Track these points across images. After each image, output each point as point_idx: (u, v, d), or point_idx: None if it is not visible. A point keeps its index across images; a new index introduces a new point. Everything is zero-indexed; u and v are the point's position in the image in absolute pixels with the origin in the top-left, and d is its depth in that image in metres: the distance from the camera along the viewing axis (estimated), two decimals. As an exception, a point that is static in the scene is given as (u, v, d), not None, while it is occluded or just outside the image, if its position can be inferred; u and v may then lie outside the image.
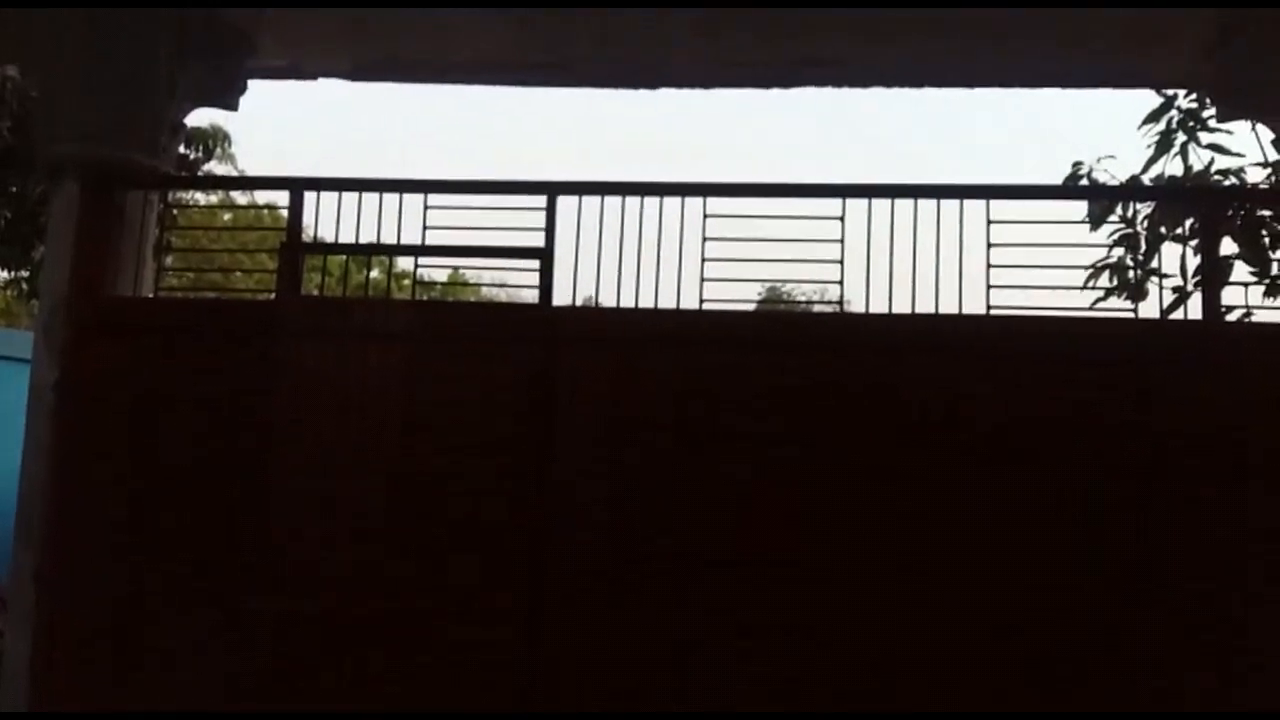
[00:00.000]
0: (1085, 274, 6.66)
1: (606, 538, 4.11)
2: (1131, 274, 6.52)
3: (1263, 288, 5.75)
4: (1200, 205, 4.67)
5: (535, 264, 4.27)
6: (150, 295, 4.65)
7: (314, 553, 4.16)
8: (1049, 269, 4.18)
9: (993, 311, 4.11)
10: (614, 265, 4.25)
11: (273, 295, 4.37)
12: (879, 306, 4.18)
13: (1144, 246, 6.61)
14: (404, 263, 4.49)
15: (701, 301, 4.23)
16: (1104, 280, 6.67)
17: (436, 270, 4.79)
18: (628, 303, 4.26)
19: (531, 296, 4.30)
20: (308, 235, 4.60)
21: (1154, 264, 6.31)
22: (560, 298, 4.31)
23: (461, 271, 5.40)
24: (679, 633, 4.03)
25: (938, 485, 4.00)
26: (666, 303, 4.27)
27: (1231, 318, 4.39)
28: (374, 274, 5.28)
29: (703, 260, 4.22)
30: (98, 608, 4.21)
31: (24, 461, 4.33)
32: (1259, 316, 4.69)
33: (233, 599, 4.15)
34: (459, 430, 4.20)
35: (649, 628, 4.05)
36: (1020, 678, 3.86)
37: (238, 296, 4.86)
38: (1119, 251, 6.72)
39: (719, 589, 4.04)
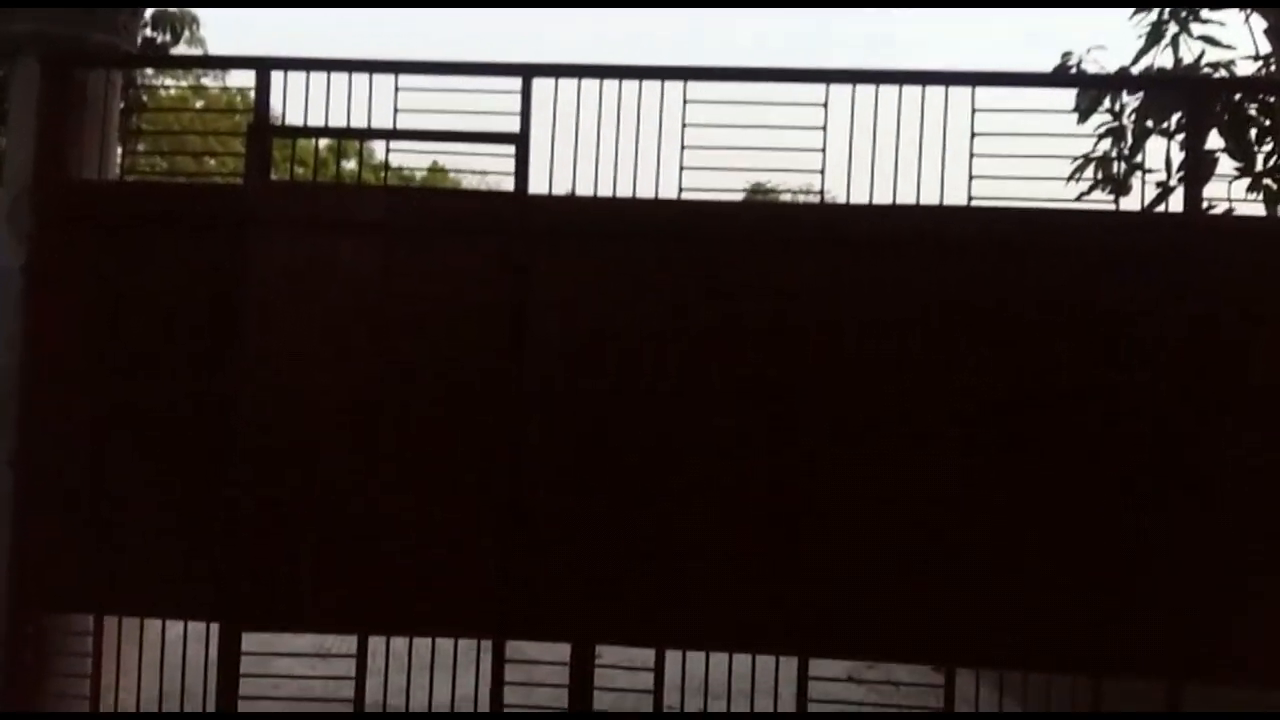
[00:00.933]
0: (1070, 166, 6.62)
1: (580, 435, 4.13)
2: (1116, 167, 6.46)
3: (1247, 182, 5.69)
4: (1188, 96, 4.56)
5: (510, 150, 4.17)
6: (117, 180, 4.55)
7: (283, 442, 4.15)
8: (1034, 159, 4.10)
9: (974, 203, 4.07)
10: (592, 152, 4.16)
11: (241, 181, 4.26)
12: (861, 197, 4.13)
13: (1130, 140, 6.53)
14: (380, 155, 4.33)
15: (680, 191, 4.16)
16: (1089, 173, 6.62)
17: (414, 160, 4.65)
18: (606, 192, 4.18)
19: (508, 186, 4.21)
20: (277, 121, 4.45)
21: (1139, 158, 6.26)
22: (537, 186, 4.21)
23: (439, 162, 5.27)
24: (655, 526, 4.09)
25: (922, 377, 4.03)
26: (645, 193, 4.19)
27: (1215, 213, 4.36)
28: (349, 165, 5.15)
29: (682, 148, 4.15)
30: (72, 493, 4.22)
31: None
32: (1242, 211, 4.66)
33: (202, 486, 4.16)
34: (432, 323, 4.16)
35: (624, 522, 4.10)
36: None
37: (207, 182, 4.71)
38: (1105, 145, 6.65)
39: (696, 481, 4.09)
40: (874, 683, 4.41)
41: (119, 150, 4.73)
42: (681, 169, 4.15)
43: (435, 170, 7.55)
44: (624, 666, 4.17)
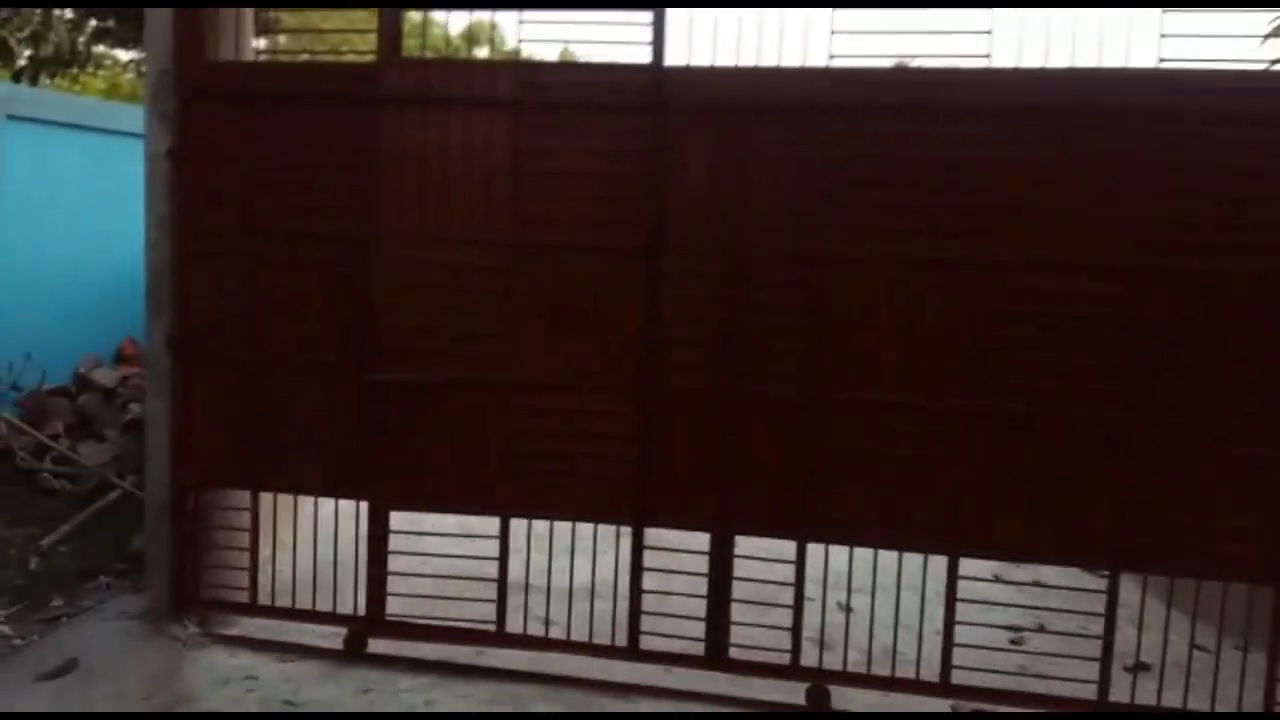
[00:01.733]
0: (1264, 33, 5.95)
1: (721, 321, 3.99)
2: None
3: None
4: None
5: (648, 19, 3.94)
6: (252, 60, 4.55)
7: (420, 322, 4.15)
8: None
9: (1164, 64, 3.66)
10: (733, 24, 3.91)
11: (374, 58, 4.17)
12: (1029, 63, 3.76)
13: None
14: (511, 41, 4.14)
15: (831, 60, 3.87)
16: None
17: (546, 50, 4.44)
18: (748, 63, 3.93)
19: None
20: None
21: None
22: (675, 59, 3.98)
23: (571, 51, 5.05)
24: (799, 418, 3.97)
25: (1086, 254, 3.74)
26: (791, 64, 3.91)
27: None
28: (482, 52, 5.00)
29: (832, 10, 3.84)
30: (225, 370, 4.34)
31: (146, 233, 4.37)
32: None
33: (345, 365, 4.23)
34: (565, 203, 4.04)
35: (765, 412, 3.98)
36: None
37: (340, 60, 4.64)
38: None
39: (829, 371, 3.93)
40: (1020, 583, 4.20)
41: (255, 35, 4.70)
42: (833, 35, 3.84)
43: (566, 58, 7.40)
44: (763, 558, 4.09)
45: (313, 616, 4.44)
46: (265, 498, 4.46)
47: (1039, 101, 3.73)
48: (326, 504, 4.44)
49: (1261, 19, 5.57)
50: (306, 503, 4.49)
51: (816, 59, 3.86)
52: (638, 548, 4.18)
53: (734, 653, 4.15)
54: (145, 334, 4.49)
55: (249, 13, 4.57)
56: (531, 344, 4.13)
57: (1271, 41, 5.72)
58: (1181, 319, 3.71)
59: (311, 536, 4.45)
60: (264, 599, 4.47)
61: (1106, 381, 3.77)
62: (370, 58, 4.18)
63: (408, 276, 4.16)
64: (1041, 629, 4.77)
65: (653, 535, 4.17)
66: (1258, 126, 3.61)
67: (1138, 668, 3.96)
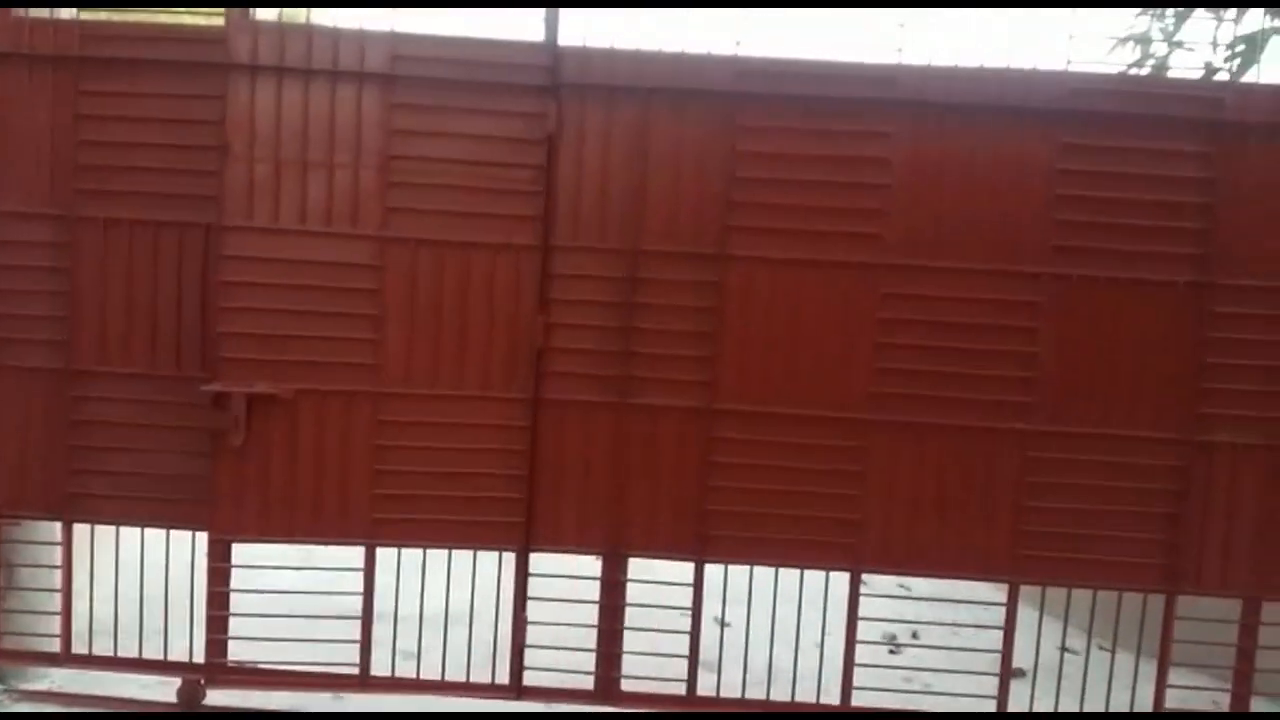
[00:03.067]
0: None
1: (602, 305, 3.70)
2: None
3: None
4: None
5: (539, -5, 3.59)
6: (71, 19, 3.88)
7: (271, 325, 3.65)
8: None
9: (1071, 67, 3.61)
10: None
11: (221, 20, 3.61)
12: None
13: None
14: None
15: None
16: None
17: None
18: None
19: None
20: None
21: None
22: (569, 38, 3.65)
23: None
24: (685, 419, 3.71)
25: (986, 259, 3.64)
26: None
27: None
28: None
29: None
30: (27, 380, 3.72)
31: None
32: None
33: (180, 375, 3.71)
34: (443, 194, 3.64)
35: (645, 411, 3.72)
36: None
37: (181, 23, 4.02)
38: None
39: (726, 381, 3.70)
40: (925, 599, 4.09)
41: None
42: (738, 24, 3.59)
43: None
44: (653, 580, 3.80)
45: (139, 665, 3.83)
46: (81, 529, 3.81)
47: (942, 100, 3.60)
48: (155, 535, 3.84)
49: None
50: (130, 534, 3.86)
51: (721, 48, 3.61)
52: (522, 575, 3.80)
53: (625, 685, 3.84)
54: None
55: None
56: (402, 351, 3.68)
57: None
58: (1074, 327, 3.67)
59: (137, 573, 3.83)
60: (79, 647, 3.82)
61: (1004, 391, 3.69)
62: (217, 20, 3.62)
63: (257, 273, 3.63)
64: (915, 638, 4.72)
65: (537, 560, 3.81)
66: (1152, 134, 3.61)
67: (1015, 674, 3.91)
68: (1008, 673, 3.83)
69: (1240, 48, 5.30)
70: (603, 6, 3.69)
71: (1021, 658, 3.91)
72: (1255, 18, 5.23)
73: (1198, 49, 5.84)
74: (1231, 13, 4.45)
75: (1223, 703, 3.82)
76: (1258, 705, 3.81)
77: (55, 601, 3.80)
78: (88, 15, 3.72)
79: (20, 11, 3.65)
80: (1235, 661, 3.80)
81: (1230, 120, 3.56)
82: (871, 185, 3.63)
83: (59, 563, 3.78)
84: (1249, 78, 5.20)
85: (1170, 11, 6.12)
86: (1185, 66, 5.95)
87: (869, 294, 3.66)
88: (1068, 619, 4.03)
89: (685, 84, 3.60)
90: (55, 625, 3.81)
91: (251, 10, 3.61)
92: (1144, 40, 6.13)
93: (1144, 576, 3.76)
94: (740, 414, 3.71)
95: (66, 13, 3.75)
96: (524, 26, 3.62)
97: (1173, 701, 3.78)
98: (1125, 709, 3.85)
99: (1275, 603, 3.76)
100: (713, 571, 3.82)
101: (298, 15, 3.82)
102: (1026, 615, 3.86)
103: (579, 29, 3.61)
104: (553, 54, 3.60)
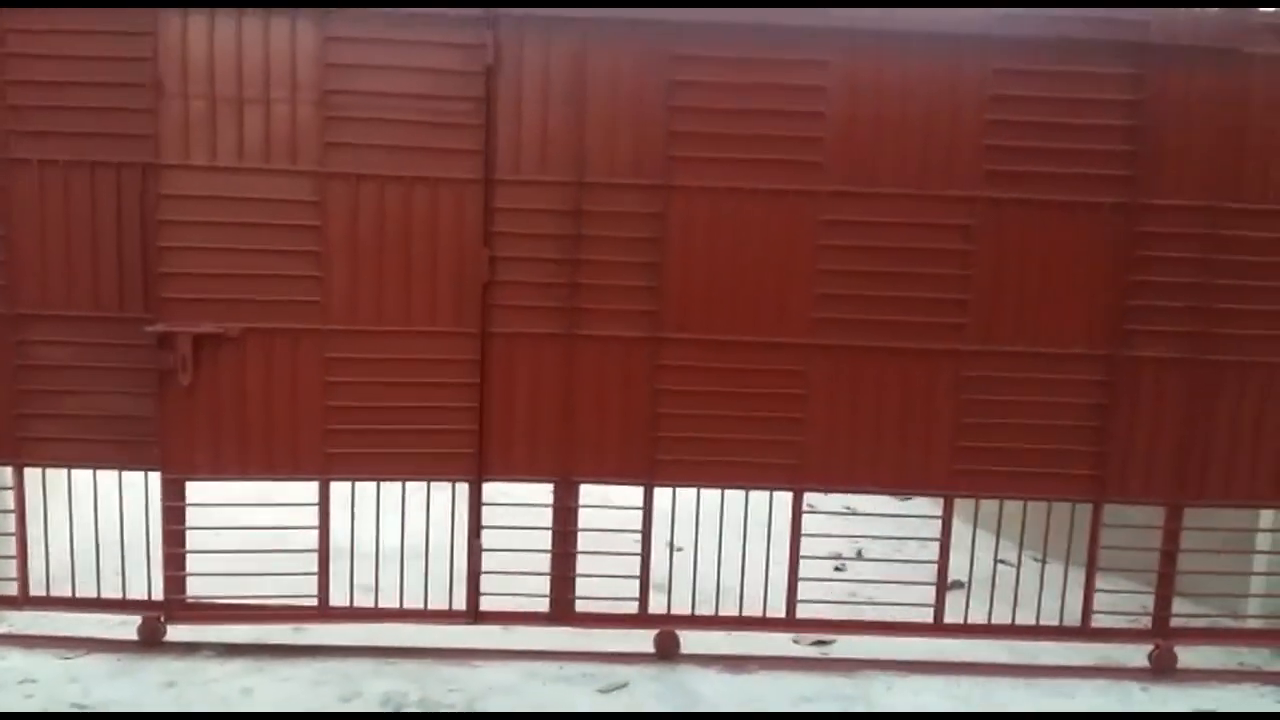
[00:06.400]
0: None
1: (559, 261, 3.74)
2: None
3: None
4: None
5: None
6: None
7: (214, 264, 3.64)
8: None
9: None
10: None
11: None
12: None
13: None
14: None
15: (671, -24, 3.63)
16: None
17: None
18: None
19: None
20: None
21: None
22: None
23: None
24: (632, 348, 3.80)
25: (923, 185, 3.73)
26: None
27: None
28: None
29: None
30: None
31: None
32: None
33: (125, 316, 3.71)
34: (383, 128, 3.63)
35: (592, 341, 3.80)
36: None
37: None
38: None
39: (672, 309, 3.78)
40: (833, 513, 4.22)
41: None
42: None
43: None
44: (601, 505, 3.90)
45: (98, 605, 3.88)
46: (33, 473, 3.82)
47: (875, 27, 3.63)
48: (108, 476, 3.86)
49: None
50: (83, 477, 3.87)
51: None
52: (476, 505, 3.88)
53: (579, 606, 3.96)
54: None
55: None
56: (347, 287, 3.70)
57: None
58: (1006, 250, 3.77)
59: (91, 514, 3.86)
60: (36, 590, 3.85)
61: (939, 313, 3.80)
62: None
63: (196, 211, 3.61)
64: (860, 555, 4.87)
65: (489, 490, 3.89)
66: (1080, 58, 3.68)
67: (953, 585, 4.08)
68: (944, 584, 4.01)
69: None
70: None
71: (960, 571, 4.09)
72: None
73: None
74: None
75: (1149, 605, 4.02)
76: (1180, 606, 4.02)
77: (10, 546, 3.81)
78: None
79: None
80: (1159, 565, 4.00)
81: (1156, 44, 3.65)
82: (808, 114, 3.68)
83: (12, 508, 3.79)
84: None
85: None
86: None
87: (808, 221, 3.73)
88: (999, 532, 4.20)
89: (623, 15, 3.59)
90: (11, 569, 3.83)
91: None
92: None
93: (1072, 487, 3.93)
94: (685, 342, 3.78)
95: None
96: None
97: (1101, 605, 3.98)
98: (1055, 616, 4.04)
99: (1196, 508, 3.96)
100: (665, 498, 3.93)
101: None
102: (965, 531, 4.02)
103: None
104: (489, -17, 3.58)
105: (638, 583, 3.94)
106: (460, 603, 3.93)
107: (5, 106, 3.58)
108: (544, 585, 3.94)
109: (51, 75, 3.58)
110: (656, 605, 3.99)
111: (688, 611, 4.00)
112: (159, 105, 3.54)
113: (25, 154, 3.60)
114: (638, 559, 3.92)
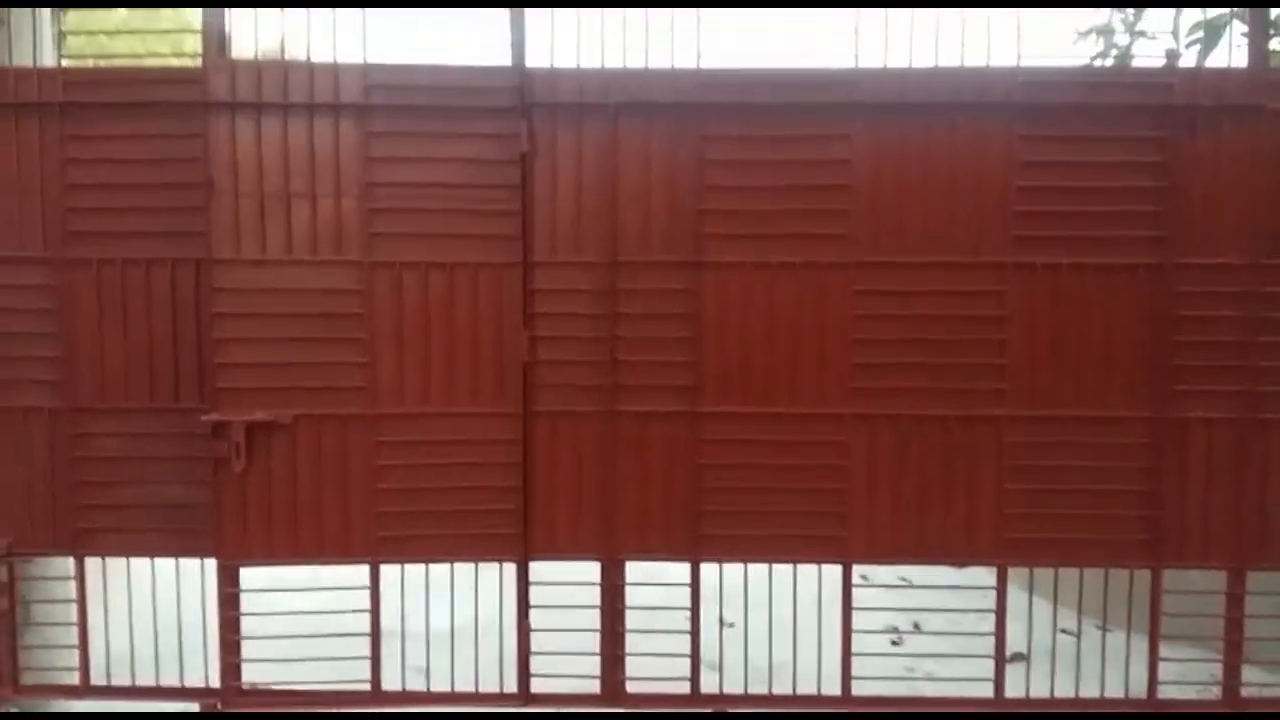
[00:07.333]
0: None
1: (578, 315, 3.81)
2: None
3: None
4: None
5: (505, 14, 3.71)
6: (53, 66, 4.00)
7: (264, 354, 3.76)
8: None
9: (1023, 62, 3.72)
10: (597, 23, 3.74)
11: (199, 61, 3.75)
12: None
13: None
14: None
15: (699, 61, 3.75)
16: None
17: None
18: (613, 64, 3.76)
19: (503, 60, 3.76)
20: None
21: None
22: (536, 60, 3.77)
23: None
24: (672, 423, 3.82)
25: (954, 252, 3.76)
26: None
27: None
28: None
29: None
30: (29, 420, 3.83)
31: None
32: None
33: (180, 406, 3.82)
34: (424, 217, 3.75)
35: (632, 417, 3.83)
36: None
37: (159, 64, 4.13)
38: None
39: (710, 383, 3.81)
40: (888, 586, 4.16)
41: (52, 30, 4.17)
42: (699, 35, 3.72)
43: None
44: (649, 583, 3.89)
45: (157, 693, 3.92)
46: (93, 562, 3.91)
47: (898, 100, 3.71)
48: (165, 565, 3.95)
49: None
50: (141, 564, 3.96)
51: (683, 59, 3.73)
52: (523, 584, 3.89)
53: (630, 686, 3.92)
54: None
55: (45, 15, 4.05)
56: (393, 371, 3.79)
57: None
58: (1042, 313, 3.76)
59: (150, 603, 3.94)
60: (98, 678, 3.92)
61: (978, 379, 3.79)
62: (194, 61, 3.76)
63: (248, 303, 3.74)
64: (917, 628, 4.77)
65: (537, 569, 3.90)
66: (1104, 121, 3.71)
67: (1014, 658, 3.98)
68: (1002, 656, 3.91)
69: (1200, 34, 5.39)
70: (564, 6, 3.77)
71: (1019, 642, 3.98)
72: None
73: (1159, 38, 5.89)
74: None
75: (1217, 673, 3.89)
76: (1250, 674, 3.87)
77: (72, 635, 3.90)
78: (70, 62, 3.87)
79: (4, 61, 3.78)
80: (1225, 632, 3.87)
81: (1179, 104, 3.67)
82: (836, 187, 3.74)
83: (74, 597, 3.88)
84: (1212, 62, 5.29)
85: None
86: (1147, 55, 6.00)
87: (841, 292, 3.76)
88: (1056, 599, 4.10)
89: (651, 97, 3.71)
90: (73, 658, 3.90)
91: (227, 37, 3.74)
92: (1106, 32, 6.23)
93: (1127, 553, 3.84)
94: (725, 415, 3.80)
95: (49, 59, 3.90)
96: (491, 49, 3.74)
97: (1167, 675, 3.85)
98: (1120, 687, 3.91)
99: (1259, 571, 3.84)
100: (713, 573, 3.91)
101: (272, 30, 3.89)
102: (1023, 599, 3.92)
103: (544, 48, 3.74)
104: (520, 75, 3.71)
105: (689, 661, 3.90)
106: (511, 684, 3.92)
107: (65, 209, 3.76)
108: (594, 665, 3.92)
109: (107, 178, 3.75)
110: (708, 683, 3.94)
111: (740, 690, 3.94)
112: (210, 203, 3.70)
113: (84, 254, 3.77)
114: (688, 636, 3.89)
